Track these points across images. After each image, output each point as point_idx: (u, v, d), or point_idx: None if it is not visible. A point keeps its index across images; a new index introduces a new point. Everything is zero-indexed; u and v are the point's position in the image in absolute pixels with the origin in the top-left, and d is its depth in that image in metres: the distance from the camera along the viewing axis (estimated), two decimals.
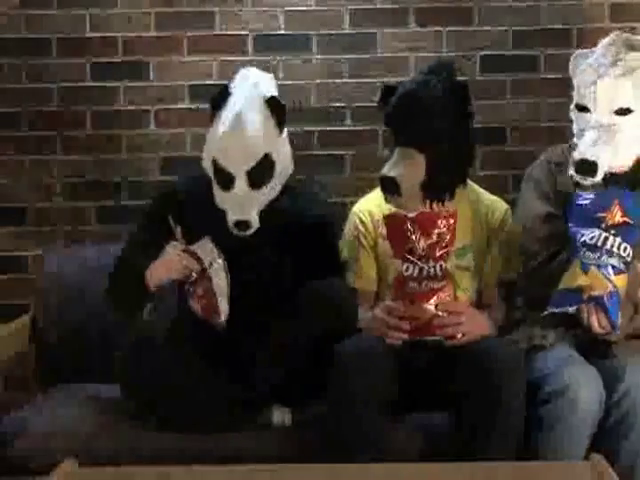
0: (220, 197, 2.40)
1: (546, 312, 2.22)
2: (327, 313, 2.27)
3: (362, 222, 2.54)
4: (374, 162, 2.95)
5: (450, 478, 1.83)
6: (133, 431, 2.32)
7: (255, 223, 2.36)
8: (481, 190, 2.58)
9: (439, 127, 2.38)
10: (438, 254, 2.26)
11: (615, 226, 2.19)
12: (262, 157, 2.37)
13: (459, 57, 3.02)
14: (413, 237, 2.26)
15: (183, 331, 2.44)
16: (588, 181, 2.26)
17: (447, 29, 3.04)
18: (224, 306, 2.33)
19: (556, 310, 2.21)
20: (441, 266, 2.26)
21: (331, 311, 2.27)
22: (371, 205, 2.56)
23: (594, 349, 2.30)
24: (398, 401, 2.23)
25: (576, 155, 2.27)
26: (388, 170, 2.40)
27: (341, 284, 2.39)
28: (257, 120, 2.37)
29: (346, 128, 3.06)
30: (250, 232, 2.37)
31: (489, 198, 2.57)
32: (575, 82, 2.38)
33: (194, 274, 2.33)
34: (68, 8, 3.04)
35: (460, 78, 2.51)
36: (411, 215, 2.29)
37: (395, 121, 2.44)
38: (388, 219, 2.34)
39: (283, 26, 3.04)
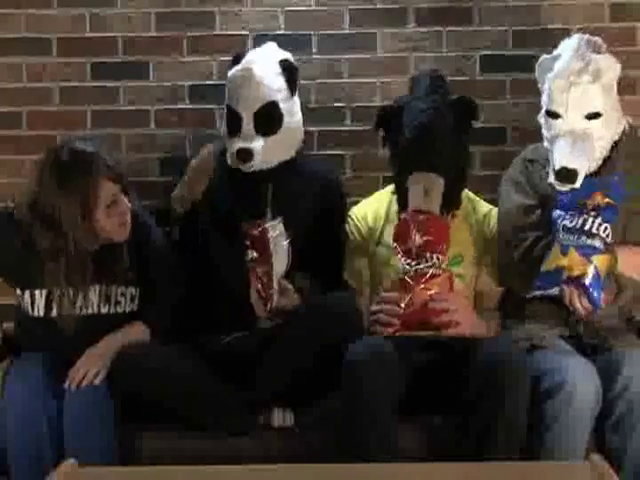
0: (228, 144, 2.52)
1: (529, 295, 2.29)
2: (336, 329, 2.28)
3: (357, 228, 2.60)
4: (374, 162, 2.96)
5: (451, 478, 1.83)
6: (133, 431, 2.31)
7: (257, 156, 2.46)
8: (477, 199, 2.63)
9: (456, 149, 2.43)
10: (434, 249, 2.32)
11: (595, 208, 2.23)
12: (269, 102, 2.50)
13: (459, 57, 3.02)
14: (411, 235, 2.33)
15: (187, 328, 2.46)
16: (567, 187, 2.30)
17: (447, 29, 3.04)
18: (276, 292, 2.32)
19: (538, 292, 2.27)
20: (438, 257, 2.31)
21: (339, 328, 2.28)
22: (367, 211, 2.60)
23: (591, 344, 2.34)
24: (404, 401, 2.23)
25: (555, 164, 2.32)
26: (421, 204, 2.40)
27: (348, 299, 2.41)
28: (266, 69, 2.53)
29: (346, 128, 3.06)
30: (251, 165, 2.47)
31: (485, 207, 2.61)
32: (545, 88, 2.40)
33: (254, 253, 2.33)
34: (68, 8, 3.04)
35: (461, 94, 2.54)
36: (410, 217, 2.36)
37: (415, 151, 2.42)
38: (397, 225, 2.41)
39: (283, 26, 3.03)
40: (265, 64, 2.55)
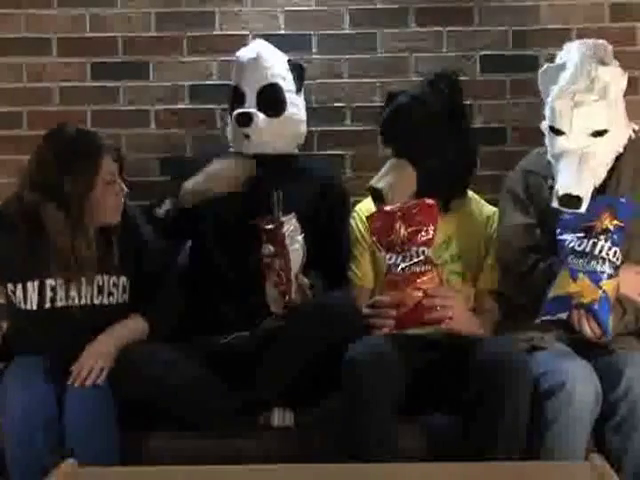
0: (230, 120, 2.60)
1: (538, 320, 2.25)
2: (336, 329, 2.27)
3: (362, 221, 2.59)
4: (374, 162, 2.95)
5: (451, 478, 1.83)
6: (133, 431, 2.31)
7: (256, 125, 2.53)
8: (481, 200, 2.64)
9: (430, 143, 2.43)
10: (420, 240, 2.28)
11: (604, 231, 2.20)
12: (273, 83, 2.58)
13: (459, 57, 3.03)
14: (395, 228, 2.29)
15: (188, 328, 2.46)
16: (571, 211, 2.27)
17: (447, 29, 3.04)
18: (294, 287, 2.32)
19: (547, 318, 2.23)
20: (423, 251, 2.28)
21: (339, 327, 2.27)
22: (372, 207, 2.59)
23: (591, 346, 2.31)
24: (404, 401, 2.23)
25: (559, 190, 2.27)
26: (376, 181, 2.45)
27: (348, 298, 2.41)
28: (275, 57, 2.63)
29: (346, 128, 3.06)
30: (248, 130, 2.53)
31: (488, 209, 2.62)
32: (548, 101, 2.36)
33: (271, 248, 2.31)
34: (68, 8, 3.05)
35: (460, 93, 2.55)
36: (390, 208, 2.33)
37: (387, 133, 2.49)
38: (371, 218, 2.38)
39: (283, 26, 3.04)
40: (274, 52, 2.66)
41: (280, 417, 2.32)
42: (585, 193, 2.25)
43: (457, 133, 2.49)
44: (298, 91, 2.66)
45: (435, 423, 2.30)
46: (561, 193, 2.26)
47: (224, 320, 2.45)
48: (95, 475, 1.88)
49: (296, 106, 2.64)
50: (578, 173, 2.27)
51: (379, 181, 2.44)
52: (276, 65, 2.62)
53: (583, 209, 2.25)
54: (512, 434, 2.14)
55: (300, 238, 2.35)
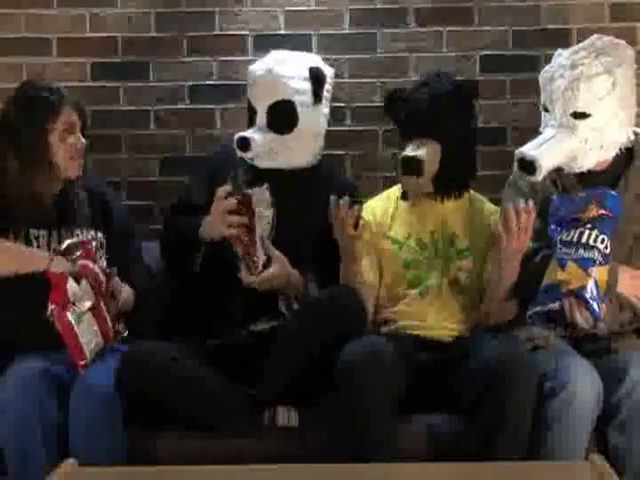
0: None
1: (530, 312, 2.25)
2: (340, 321, 2.27)
3: (366, 224, 2.58)
4: (374, 162, 2.97)
5: (451, 478, 1.83)
6: (133, 432, 2.31)
7: (255, 148, 2.48)
8: (483, 198, 2.64)
9: (452, 118, 2.44)
10: None
11: (591, 220, 2.20)
12: (285, 100, 2.50)
13: (459, 57, 3.03)
14: None
15: (191, 328, 2.46)
16: (528, 178, 2.32)
17: (447, 29, 3.04)
18: (261, 257, 2.35)
19: (539, 309, 2.22)
20: None
21: (343, 320, 2.27)
22: (376, 205, 2.61)
23: (594, 347, 2.32)
24: (404, 401, 2.23)
25: (517, 152, 2.32)
26: (411, 150, 2.43)
27: (353, 291, 2.40)
28: (290, 69, 2.53)
29: (346, 128, 3.06)
30: (248, 155, 2.49)
31: (490, 206, 2.63)
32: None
33: (240, 219, 2.35)
34: (68, 8, 3.05)
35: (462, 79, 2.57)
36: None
37: (411, 115, 2.46)
38: None
39: (283, 26, 3.04)
40: (290, 64, 2.55)
41: (285, 417, 2.31)
42: (541, 161, 2.26)
43: (468, 115, 2.52)
44: (316, 101, 2.56)
45: (435, 423, 2.30)
46: (518, 156, 2.31)
47: (230, 315, 2.46)
48: (95, 475, 1.88)
49: (311, 121, 2.55)
50: (544, 143, 2.30)
51: (413, 150, 2.44)
52: (292, 78, 2.52)
53: (539, 176, 2.28)
54: (513, 435, 2.13)
55: (271, 210, 2.38)
